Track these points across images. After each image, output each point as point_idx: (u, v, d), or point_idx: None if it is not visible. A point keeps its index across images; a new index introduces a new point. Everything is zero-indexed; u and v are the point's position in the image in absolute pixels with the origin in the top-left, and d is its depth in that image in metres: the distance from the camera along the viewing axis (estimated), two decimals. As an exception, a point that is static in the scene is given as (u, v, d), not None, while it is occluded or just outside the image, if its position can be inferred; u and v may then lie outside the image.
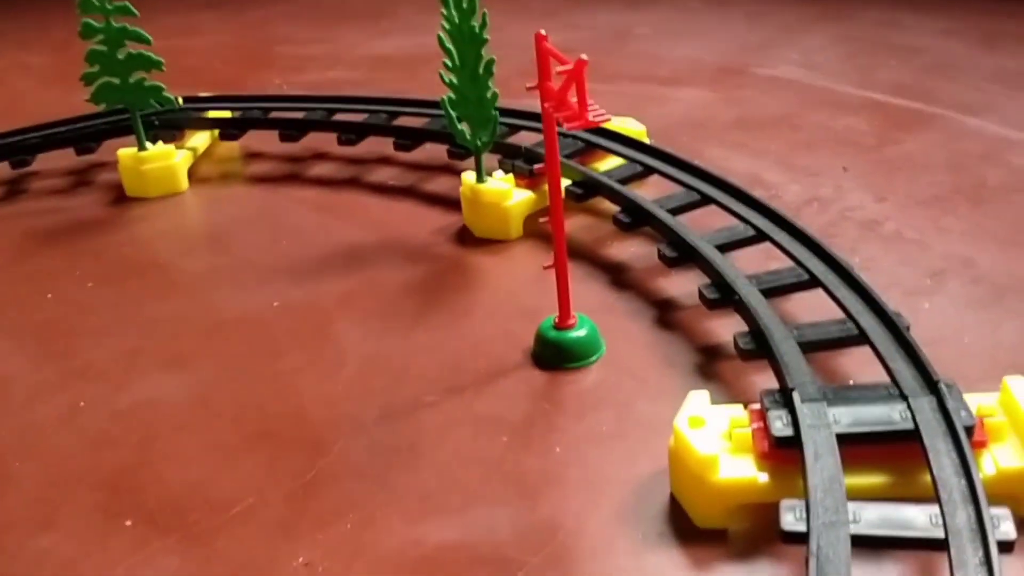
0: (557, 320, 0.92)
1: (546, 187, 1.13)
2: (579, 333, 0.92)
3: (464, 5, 1.05)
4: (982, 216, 1.12)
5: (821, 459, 0.67)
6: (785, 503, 0.65)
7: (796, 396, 0.73)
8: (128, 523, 0.77)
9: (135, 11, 1.28)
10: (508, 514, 0.75)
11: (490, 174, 1.17)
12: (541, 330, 0.93)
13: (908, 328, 0.81)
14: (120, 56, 1.30)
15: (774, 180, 1.24)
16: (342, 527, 0.75)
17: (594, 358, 0.92)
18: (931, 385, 0.73)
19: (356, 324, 1.02)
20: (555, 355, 0.92)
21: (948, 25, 1.83)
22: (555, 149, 0.85)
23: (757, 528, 0.71)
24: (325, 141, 1.46)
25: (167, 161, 1.37)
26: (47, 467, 0.85)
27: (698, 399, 0.75)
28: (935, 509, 0.63)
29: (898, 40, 1.78)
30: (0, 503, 0.81)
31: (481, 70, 1.08)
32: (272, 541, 0.74)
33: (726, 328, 0.92)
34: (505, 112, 1.21)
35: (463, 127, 1.12)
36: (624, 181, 1.16)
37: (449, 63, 1.09)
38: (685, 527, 0.72)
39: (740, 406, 0.75)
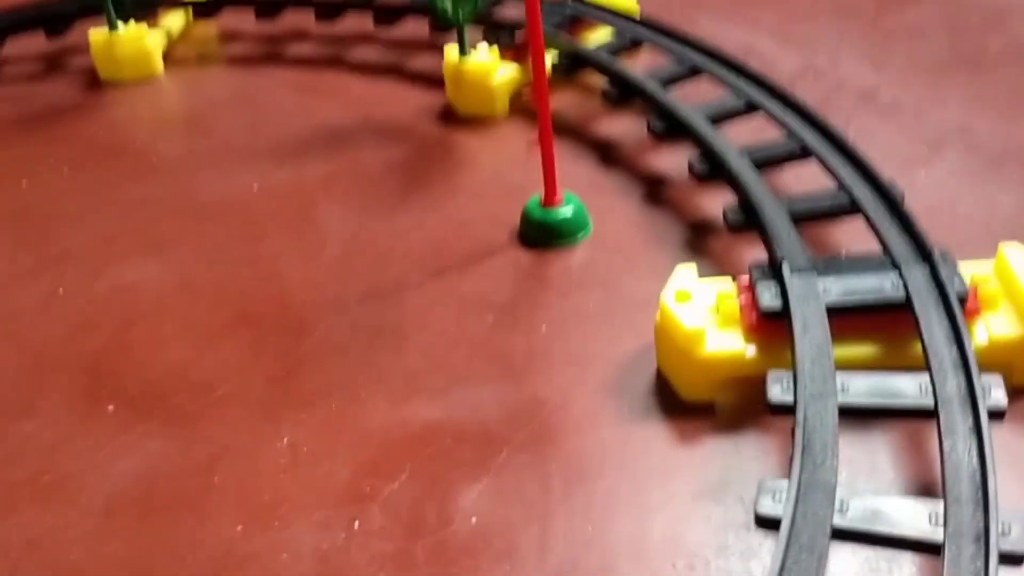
0: (543, 198, 0.90)
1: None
2: (565, 211, 0.90)
3: None
4: (982, 84, 1.08)
5: (810, 331, 0.66)
6: (772, 375, 0.65)
7: (785, 267, 0.71)
8: (110, 407, 0.77)
9: None
10: (493, 392, 0.74)
11: (474, 47, 1.12)
12: (527, 209, 0.91)
13: (902, 197, 0.78)
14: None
15: (768, 51, 1.20)
16: (326, 408, 0.74)
17: (580, 235, 0.90)
18: (924, 254, 0.71)
19: (338, 206, 1.00)
20: (541, 234, 0.90)
21: None
22: (537, 18, 0.80)
23: (744, 401, 0.70)
24: (304, 19, 1.40)
25: (140, 43, 1.32)
26: (26, 354, 0.84)
27: (685, 273, 0.74)
28: (925, 378, 0.62)
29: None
30: (-20, 390, 0.80)
31: (459, -64, 1.03)
32: (255, 422, 0.74)
33: (717, 203, 0.89)
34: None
35: (444, 3, 1.07)
36: (613, 53, 1.12)
37: (426, -71, 1.04)
38: (671, 401, 0.72)
39: (728, 279, 0.74)
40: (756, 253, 0.80)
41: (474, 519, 0.64)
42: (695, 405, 0.71)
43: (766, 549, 0.60)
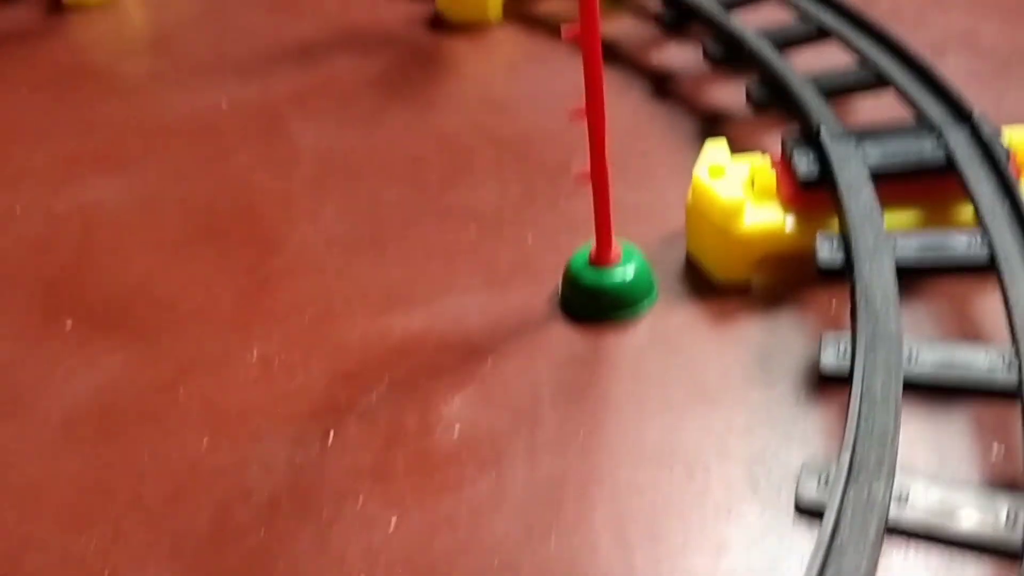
0: (594, 253, 0.68)
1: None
2: (626, 271, 0.67)
3: None
4: (985, -9, 1.04)
5: (855, 191, 0.63)
6: (821, 235, 0.62)
7: (824, 132, 0.67)
8: (68, 323, 0.72)
9: None
10: (477, 302, 0.70)
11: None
12: (573, 268, 0.68)
13: (932, 67, 0.74)
14: None
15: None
16: (299, 320, 0.70)
17: (646, 304, 0.67)
18: (963, 116, 0.68)
19: (312, 121, 0.94)
20: (592, 303, 0.67)
21: None
22: (595, 16, 0.58)
23: (781, 279, 0.68)
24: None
25: (102, -37, 1.25)
26: (-20, 273, 0.79)
27: (716, 149, 0.70)
28: (977, 234, 0.60)
29: None
30: (-70, 309, 0.75)
31: None
32: (223, 336, 0.69)
33: (732, 90, 0.86)
34: None
35: None
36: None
37: None
38: (706, 285, 0.69)
39: (760, 154, 0.70)
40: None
41: (457, 427, 0.60)
42: (728, 288, 0.68)
43: (772, 452, 0.56)
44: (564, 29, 0.58)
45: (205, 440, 0.61)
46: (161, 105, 1.01)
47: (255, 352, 0.67)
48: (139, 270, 0.77)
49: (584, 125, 0.61)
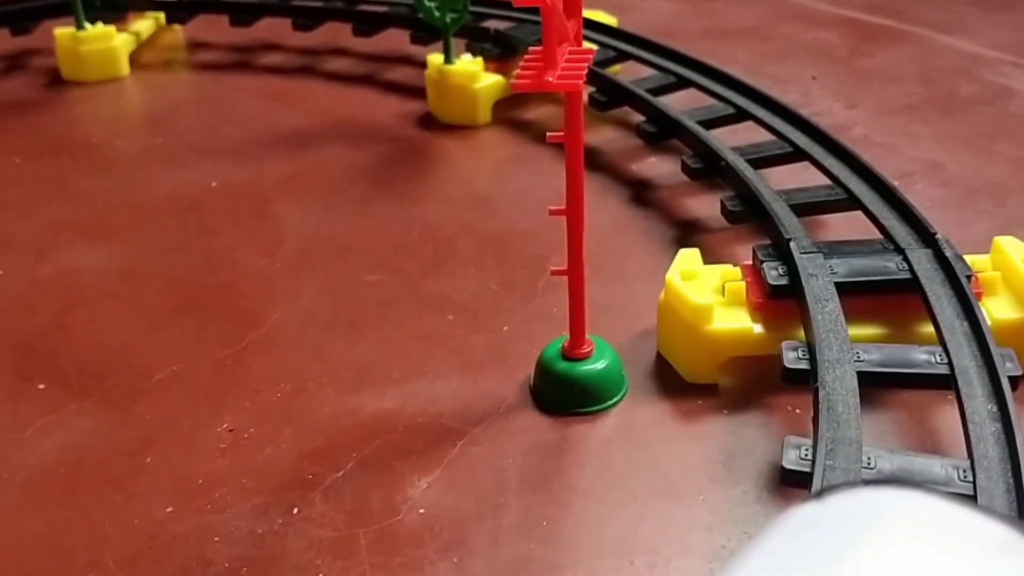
0: (567, 345, 0.69)
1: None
2: (596, 365, 0.68)
3: None
4: (953, 124, 1.09)
5: (822, 303, 0.65)
6: (787, 343, 0.63)
7: (794, 246, 0.70)
8: (41, 386, 0.72)
9: None
10: (450, 386, 0.71)
11: (458, 58, 1.11)
12: (545, 359, 0.69)
13: (899, 189, 0.78)
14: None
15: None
16: (272, 395, 0.70)
17: (616, 399, 0.69)
18: (927, 239, 0.71)
19: (297, 205, 0.97)
20: (564, 394, 0.68)
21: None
22: (579, 123, 0.59)
23: (746, 382, 0.69)
24: (278, 30, 1.38)
25: (107, 43, 1.30)
26: (-43, 330, 0.79)
27: (689, 256, 0.72)
28: (938, 350, 0.62)
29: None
30: (-97, 363, 0.75)
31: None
32: (195, 407, 0.70)
33: (706, 202, 0.89)
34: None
35: (430, 4, 1.06)
36: (598, 64, 1.11)
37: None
38: (673, 383, 0.70)
39: (731, 264, 0.73)
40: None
41: (422, 510, 0.60)
42: (698, 387, 0.69)
43: (731, 549, 0.56)
44: (548, 134, 0.60)
45: (169, 508, 0.60)
46: (151, 181, 1.03)
47: (225, 423, 0.68)
48: (117, 338, 0.77)
49: (563, 223, 0.63)
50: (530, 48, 0.52)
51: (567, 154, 0.61)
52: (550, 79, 0.48)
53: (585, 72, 0.51)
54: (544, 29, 0.49)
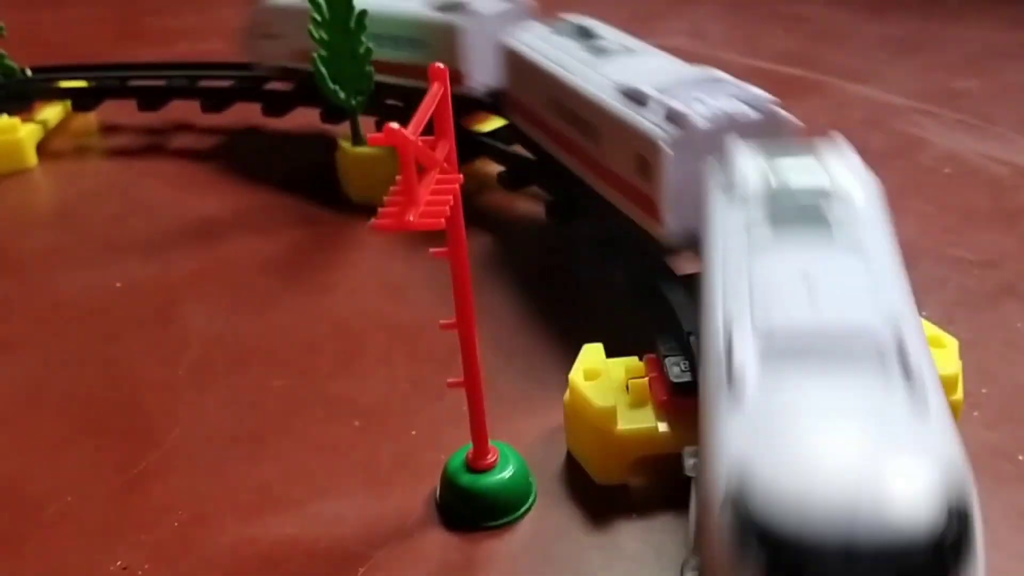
0: (471, 457, 0.67)
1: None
2: (502, 475, 0.67)
3: (332, -48, 0.98)
4: (863, 181, 1.09)
5: None
6: (688, 450, 0.61)
7: (693, 340, 0.68)
8: (-76, 530, 0.69)
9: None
10: (354, 504, 0.69)
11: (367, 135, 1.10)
12: (449, 472, 0.67)
13: None
14: (-49, 21, 1.19)
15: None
16: (168, 526, 0.68)
17: (524, 508, 0.67)
18: None
19: (204, 304, 0.94)
20: (470, 508, 0.66)
21: (836, -5, 1.82)
22: (462, 241, 0.60)
23: (657, 481, 0.68)
24: (189, 112, 1.36)
25: (11, 135, 1.27)
26: None
27: (592, 352, 0.71)
28: None
29: (785, 10, 1.75)
30: None
31: (353, 23, 1.01)
32: (89, 544, 0.67)
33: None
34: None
35: (335, 87, 1.05)
36: (508, 141, 1.10)
37: (318, 17, 1.02)
38: (583, 485, 0.69)
39: (636, 357, 0.71)
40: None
41: (320, 650, 0.58)
42: (608, 488, 0.68)
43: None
44: (432, 250, 0.59)
45: (53, 665, 0.58)
46: (55, 284, 1.00)
47: (120, 561, 0.65)
48: (10, 467, 0.74)
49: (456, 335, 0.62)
50: (396, 179, 0.50)
51: (453, 271, 0.60)
52: (411, 218, 0.46)
53: (450, 205, 0.50)
54: (402, 162, 0.48)
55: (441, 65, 0.55)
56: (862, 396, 0.43)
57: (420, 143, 0.49)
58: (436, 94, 0.53)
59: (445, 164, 0.54)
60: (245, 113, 1.33)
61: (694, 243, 0.71)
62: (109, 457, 0.75)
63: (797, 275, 0.51)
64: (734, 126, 0.74)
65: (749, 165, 0.64)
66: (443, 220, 0.48)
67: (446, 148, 0.55)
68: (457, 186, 0.52)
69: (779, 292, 0.50)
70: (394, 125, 0.47)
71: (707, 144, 0.72)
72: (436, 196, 0.49)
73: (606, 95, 0.82)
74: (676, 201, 0.74)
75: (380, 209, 0.50)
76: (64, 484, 0.72)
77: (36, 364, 0.87)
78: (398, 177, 0.51)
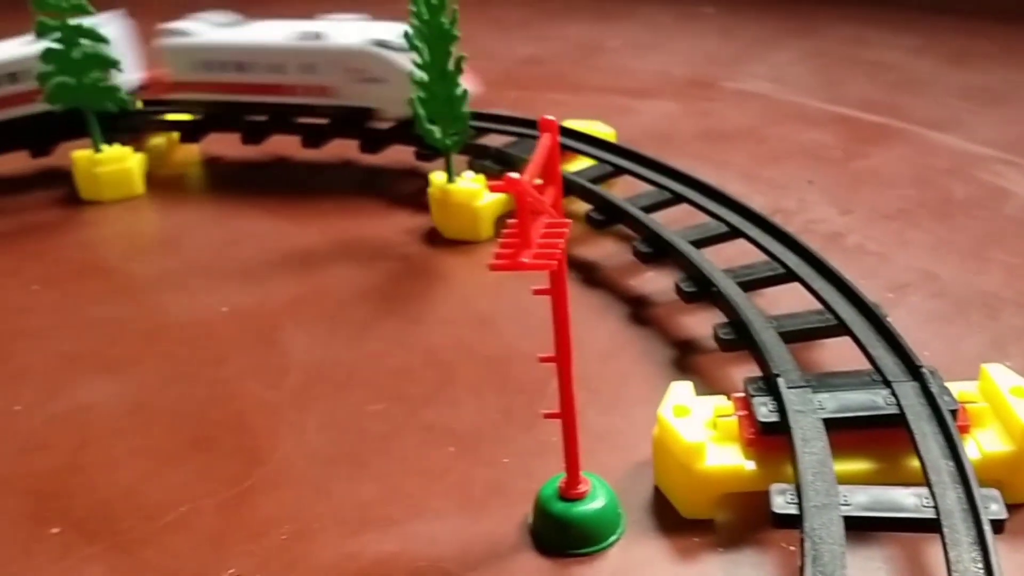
0: (563, 486, 0.70)
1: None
2: (593, 505, 0.69)
3: (434, 1, 1.04)
4: (946, 230, 1.10)
5: (810, 443, 0.66)
6: (775, 487, 0.65)
7: (781, 382, 0.71)
8: (55, 530, 0.74)
9: (91, 8, 1.26)
10: (450, 527, 0.72)
11: (460, 175, 1.15)
12: (542, 499, 0.70)
13: (886, 317, 0.79)
14: (75, 55, 1.27)
15: (738, 192, 1.21)
16: (276, 538, 0.72)
17: (613, 538, 0.70)
18: (913, 371, 0.72)
19: (304, 331, 0.99)
20: (561, 536, 0.69)
21: (917, 42, 1.83)
22: (563, 282, 0.62)
23: (743, 517, 0.70)
24: (288, 146, 1.43)
25: (122, 164, 1.34)
26: (-27, 473, 0.82)
27: (681, 389, 0.74)
28: (924, 491, 0.62)
29: (867, 56, 1.77)
30: (-79, 509, 0.78)
31: (451, 67, 1.07)
32: (202, 551, 0.71)
33: (703, 320, 0.92)
34: (473, 116, 1.18)
35: (432, 127, 1.10)
36: (595, 180, 1.14)
37: (419, 61, 1.07)
38: (670, 518, 0.71)
39: (724, 396, 0.74)
40: (746, 372, 0.80)
41: (420, 661, 0.61)
42: (694, 522, 0.71)
43: None
44: (533, 288, 0.63)
45: (173, 663, 0.62)
46: (163, 307, 1.06)
47: (231, 570, 0.69)
48: (127, 477, 0.80)
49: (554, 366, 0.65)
50: (507, 222, 0.54)
51: (553, 307, 0.63)
52: (525, 259, 0.50)
53: (561, 248, 0.54)
54: (518, 208, 0.52)
55: (551, 117, 0.59)
56: None
57: (534, 190, 0.53)
58: (547, 145, 0.57)
59: (553, 210, 0.58)
60: (341, 149, 1.39)
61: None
62: (219, 471, 0.79)
63: None
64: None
65: None
66: (555, 262, 0.52)
67: (553, 194, 0.59)
68: (567, 230, 0.55)
69: None
70: (514, 175, 0.51)
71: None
72: (546, 239, 0.53)
73: (292, 41, 1.25)
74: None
75: (495, 251, 0.53)
76: (178, 495, 0.77)
77: (147, 382, 0.93)
78: (509, 221, 0.55)
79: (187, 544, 0.72)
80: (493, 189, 0.51)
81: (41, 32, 1.26)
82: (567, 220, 0.57)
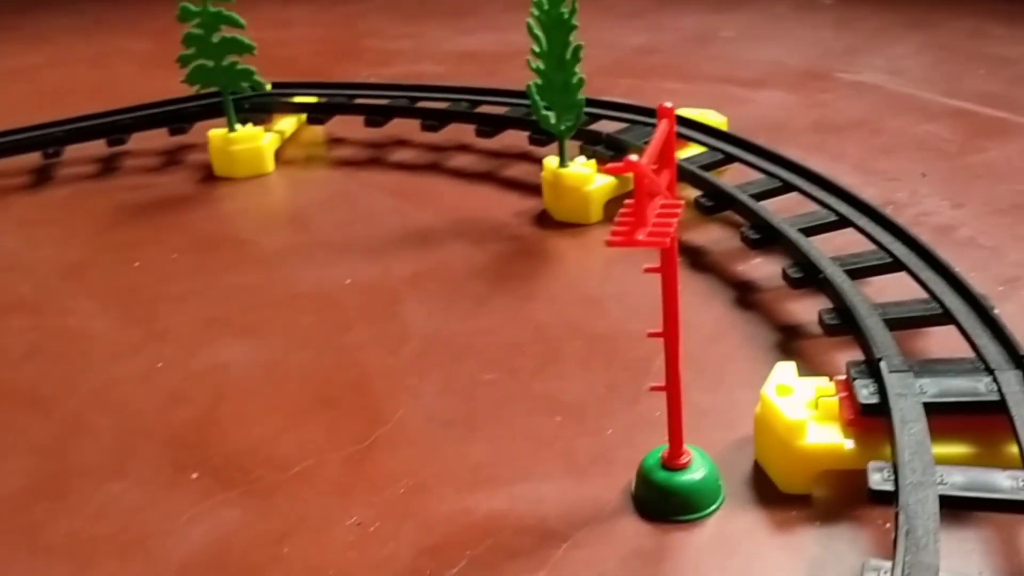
0: (666, 456, 0.74)
1: (627, 176, 1.14)
2: (694, 475, 0.73)
3: (555, -9, 1.08)
4: (1062, 226, 1.09)
5: (909, 424, 0.68)
6: (873, 464, 0.67)
7: (883, 366, 0.74)
8: (194, 476, 0.81)
9: (230, -5, 1.34)
10: (556, 489, 0.77)
11: (572, 160, 1.19)
12: (645, 468, 0.74)
13: (993, 308, 0.80)
14: (215, 39, 1.36)
15: (850, 183, 1.21)
16: (395, 491, 0.78)
17: (712, 508, 0.73)
18: (1017, 360, 0.73)
19: (422, 304, 1.05)
20: (663, 503, 0.73)
21: (1044, 36, 1.79)
22: (674, 260, 0.66)
23: (840, 494, 0.73)
24: (408, 129, 1.49)
25: (255, 143, 1.42)
26: (123, 420, 0.89)
27: (785, 370, 0.77)
28: (1022, 474, 0.64)
29: (988, 50, 1.74)
30: (77, 450, 0.86)
31: (568, 56, 1.11)
32: (328, 500, 0.77)
33: (807, 307, 0.94)
34: (587, 102, 1.21)
35: (547, 112, 1.14)
36: (706, 167, 1.17)
37: (537, 49, 1.12)
38: (769, 492, 0.74)
39: (826, 378, 0.77)
40: (849, 357, 0.82)
41: (527, 609, 0.66)
42: (792, 496, 0.73)
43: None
44: (645, 267, 0.66)
45: (302, 596, 0.68)
46: (292, 278, 1.13)
47: (354, 517, 0.75)
48: (259, 430, 0.86)
49: (661, 343, 0.69)
50: (624, 203, 0.58)
51: (663, 285, 0.67)
52: (640, 236, 0.54)
53: (674, 227, 0.57)
54: (635, 188, 0.55)
55: (669, 104, 0.63)
56: None
57: (651, 172, 0.56)
58: (665, 130, 0.60)
59: (667, 192, 0.61)
60: (457, 133, 1.45)
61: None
62: (344, 429, 0.85)
63: None
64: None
65: None
66: (668, 240, 0.56)
67: (668, 177, 0.62)
68: (680, 211, 0.59)
69: None
70: (633, 157, 0.55)
71: None
72: (661, 219, 0.57)
73: None
74: None
75: (613, 228, 0.57)
76: (306, 449, 0.83)
77: (279, 346, 1.00)
78: (626, 201, 0.59)
79: (313, 493, 0.78)
80: (612, 171, 0.55)
81: (184, 17, 1.34)
82: (680, 202, 0.60)
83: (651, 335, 0.69)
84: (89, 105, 1.58)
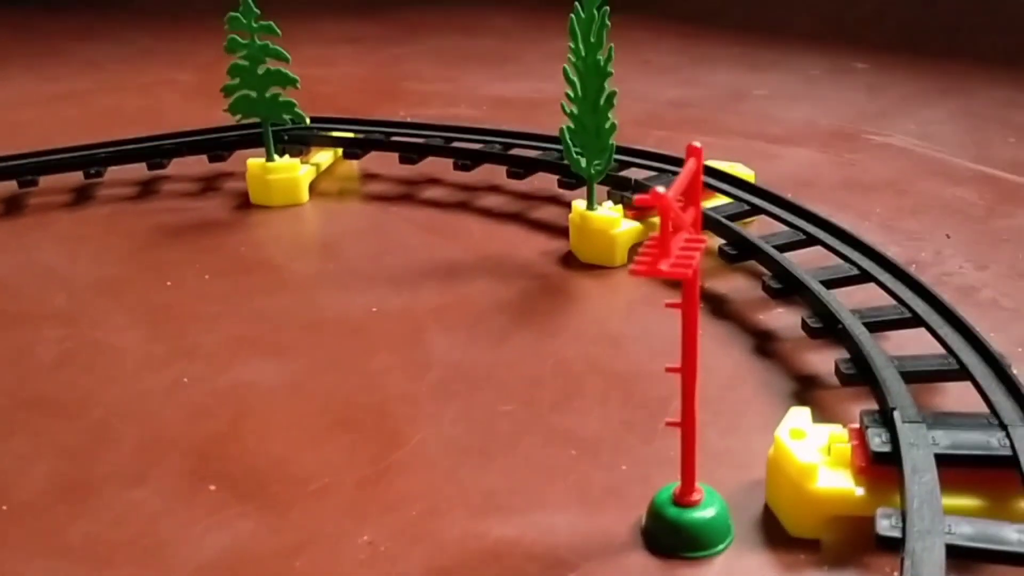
0: (678, 492, 0.75)
1: (653, 219, 1.16)
2: (705, 513, 0.74)
3: (592, 39, 1.11)
4: (1086, 293, 1.10)
5: (919, 474, 0.69)
6: (881, 510, 0.68)
7: (897, 416, 0.75)
8: (212, 488, 0.83)
9: (278, 30, 1.38)
10: (567, 520, 0.77)
11: (599, 204, 1.21)
12: (657, 503, 0.75)
13: (1010, 366, 0.81)
14: (259, 71, 1.40)
15: (875, 241, 1.23)
16: (408, 513, 0.79)
17: (722, 546, 0.74)
18: None
19: (446, 334, 1.06)
20: (673, 538, 0.74)
21: (1077, 109, 1.80)
22: (695, 296, 0.68)
23: (849, 540, 0.73)
24: (441, 168, 1.52)
25: (291, 173, 1.46)
26: (146, 431, 0.91)
27: (799, 415, 0.78)
28: None
29: (1019, 119, 1.75)
30: (101, 457, 0.88)
31: (602, 101, 1.13)
32: (342, 518, 0.78)
33: (825, 358, 0.95)
34: (618, 149, 1.23)
35: (578, 156, 1.17)
36: (731, 217, 1.18)
37: (571, 94, 1.14)
38: (778, 535, 0.75)
39: (839, 425, 0.78)
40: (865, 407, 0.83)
41: (532, 634, 0.66)
42: (801, 540, 0.74)
43: None
44: (666, 302, 0.68)
45: (312, 609, 0.69)
46: (321, 303, 1.15)
47: (366, 536, 0.76)
48: (279, 448, 0.88)
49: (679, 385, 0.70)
50: (650, 236, 0.60)
51: (683, 321, 0.68)
52: (663, 267, 0.56)
53: (696, 260, 0.59)
54: (660, 221, 0.57)
55: (698, 143, 0.65)
56: None
57: (677, 206, 0.58)
58: (692, 168, 0.62)
59: (691, 228, 0.63)
60: (489, 174, 1.48)
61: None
62: (361, 450, 0.87)
63: None
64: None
65: None
66: (690, 271, 0.57)
67: (693, 214, 0.64)
68: (703, 245, 0.60)
69: None
70: (660, 189, 0.56)
71: None
72: (684, 251, 0.58)
73: None
74: None
75: (636, 258, 0.59)
76: (324, 467, 0.85)
77: (304, 367, 1.01)
78: (651, 234, 0.61)
79: (329, 511, 0.79)
80: (639, 202, 0.57)
81: (231, 48, 1.39)
82: (703, 237, 0.62)
83: (669, 370, 0.71)
84: (133, 130, 1.63)
